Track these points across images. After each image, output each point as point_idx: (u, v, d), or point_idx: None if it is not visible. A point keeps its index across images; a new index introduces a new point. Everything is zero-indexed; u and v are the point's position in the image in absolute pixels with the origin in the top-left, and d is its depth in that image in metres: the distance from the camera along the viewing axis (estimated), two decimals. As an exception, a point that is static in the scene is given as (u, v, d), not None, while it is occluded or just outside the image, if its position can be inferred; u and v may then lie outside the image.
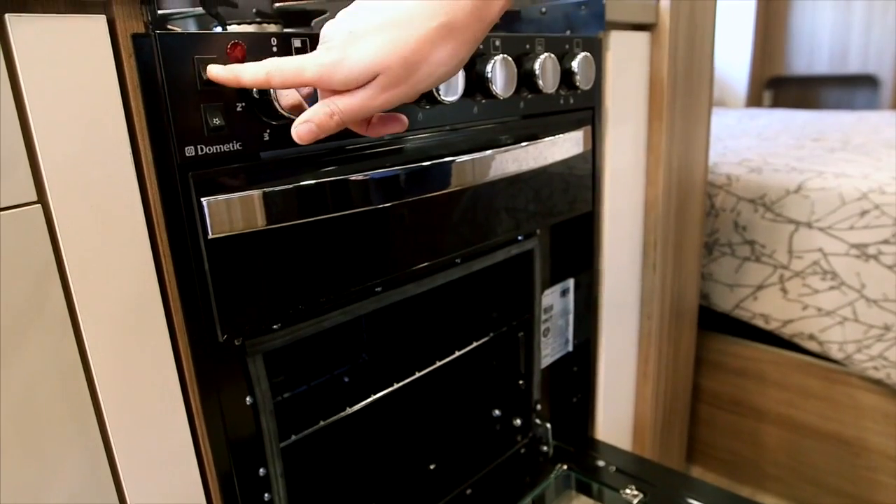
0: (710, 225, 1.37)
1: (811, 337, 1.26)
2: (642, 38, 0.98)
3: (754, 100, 3.06)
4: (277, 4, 0.65)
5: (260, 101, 0.50)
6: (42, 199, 0.43)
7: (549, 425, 0.96)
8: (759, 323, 1.33)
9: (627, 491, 0.86)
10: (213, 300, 0.51)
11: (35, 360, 0.44)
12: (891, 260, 1.15)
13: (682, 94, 1.05)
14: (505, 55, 0.66)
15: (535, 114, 0.77)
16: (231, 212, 0.50)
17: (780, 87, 3.07)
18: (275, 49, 0.51)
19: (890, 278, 1.15)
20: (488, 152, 0.67)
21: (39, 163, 0.42)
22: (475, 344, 0.88)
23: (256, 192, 0.51)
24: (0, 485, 0.44)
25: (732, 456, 1.45)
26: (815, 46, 2.91)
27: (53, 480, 0.47)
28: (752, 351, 1.37)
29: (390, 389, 0.81)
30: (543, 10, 0.87)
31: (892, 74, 2.70)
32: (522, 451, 0.96)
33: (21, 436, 0.45)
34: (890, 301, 1.16)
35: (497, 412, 1.00)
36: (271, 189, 0.51)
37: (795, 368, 1.31)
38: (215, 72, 0.47)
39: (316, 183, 0.54)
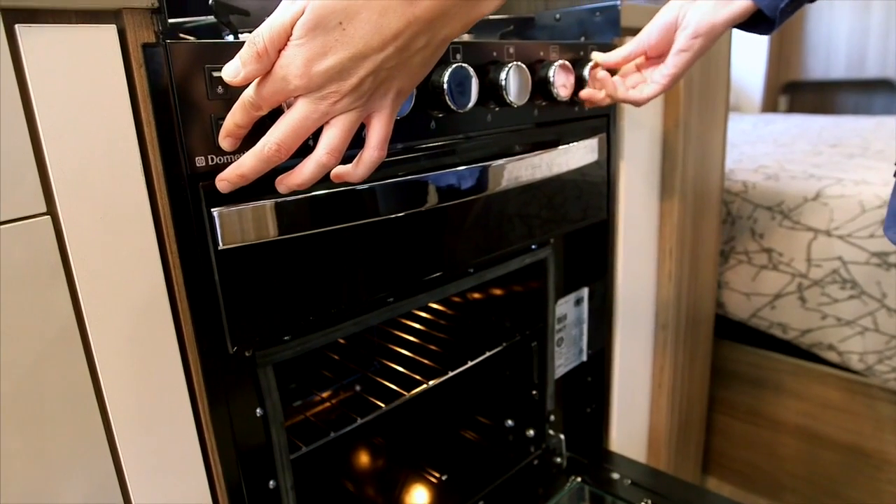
0: (727, 232, 1.35)
1: (830, 347, 1.24)
2: (658, 44, 0.96)
3: (770, 105, 3.03)
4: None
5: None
6: (51, 210, 0.43)
7: (562, 436, 0.95)
8: (777, 332, 1.31)
9: (642, 504, 0.85)
10: (222, 311, 0.51)
11: (43, 372, 0.44)
12: (913, 269, 1.12)
13: (699, 99, 1.04)
14: (519, 62, 0.65)
15: (549, 122, 0.76)
16: (242, 222, 0.49)
17: (796, 91, 3.04)
18: (286, 58, 0.50)
19: (912, 288, 1.13)
20: (502, 161, 0.66)
21: (49, 173, 0.42)
22: (488, 354, 0.87)
23: (268, 203, 0.50)
24: (7, 494, 0.44)
25: (749, 467, 1.43)
26: (832, 51, 2.88)
27: (60, 490, 0.46)
28: (770, 361, 1.35)
29: (402, 399, 0.80)
30: (558, 16, 0.86)
31: (910, 79, 2.67)
32: (535, 462, 0.95)
33: (28, 446, 0.44)
34: (912, 311, 1.13)
35: (510, 423, 0.99)
36: (283, 199, 0.50)
37: (814, 379, 1.29)
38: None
39: (327, 193, 0.53)
